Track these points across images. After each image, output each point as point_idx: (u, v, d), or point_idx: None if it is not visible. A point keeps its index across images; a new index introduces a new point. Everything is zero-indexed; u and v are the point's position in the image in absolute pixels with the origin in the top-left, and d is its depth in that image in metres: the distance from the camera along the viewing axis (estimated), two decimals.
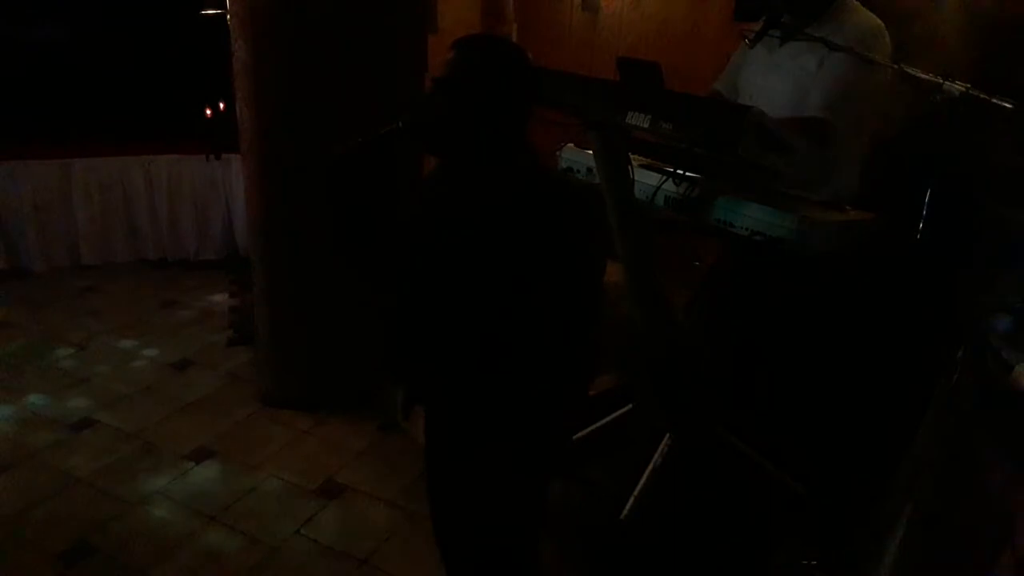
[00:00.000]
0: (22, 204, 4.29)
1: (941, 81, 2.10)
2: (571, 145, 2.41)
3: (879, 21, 2.37)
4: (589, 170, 2.32)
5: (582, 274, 1.47)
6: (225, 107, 4.48)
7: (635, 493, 2.28)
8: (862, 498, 2.08)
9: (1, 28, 4.48)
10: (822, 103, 2.29)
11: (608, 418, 2.60)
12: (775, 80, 2.45)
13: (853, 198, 2.52)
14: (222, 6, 4.51)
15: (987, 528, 1.43)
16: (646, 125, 1.84)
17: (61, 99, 4.45)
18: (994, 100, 2.08)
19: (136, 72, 4.58)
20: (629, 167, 2.10)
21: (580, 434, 2.57)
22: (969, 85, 2.09)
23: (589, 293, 1.49)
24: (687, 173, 2.04)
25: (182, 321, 3.98)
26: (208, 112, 4.54)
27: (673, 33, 4.30)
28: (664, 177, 2.01)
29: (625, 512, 2.25)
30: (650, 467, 2.32)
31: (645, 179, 2.10)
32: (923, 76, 2.12)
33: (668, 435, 2.39)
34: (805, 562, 2.16)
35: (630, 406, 2.59)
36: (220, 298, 4.26)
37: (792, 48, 2.44)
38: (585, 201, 1.54)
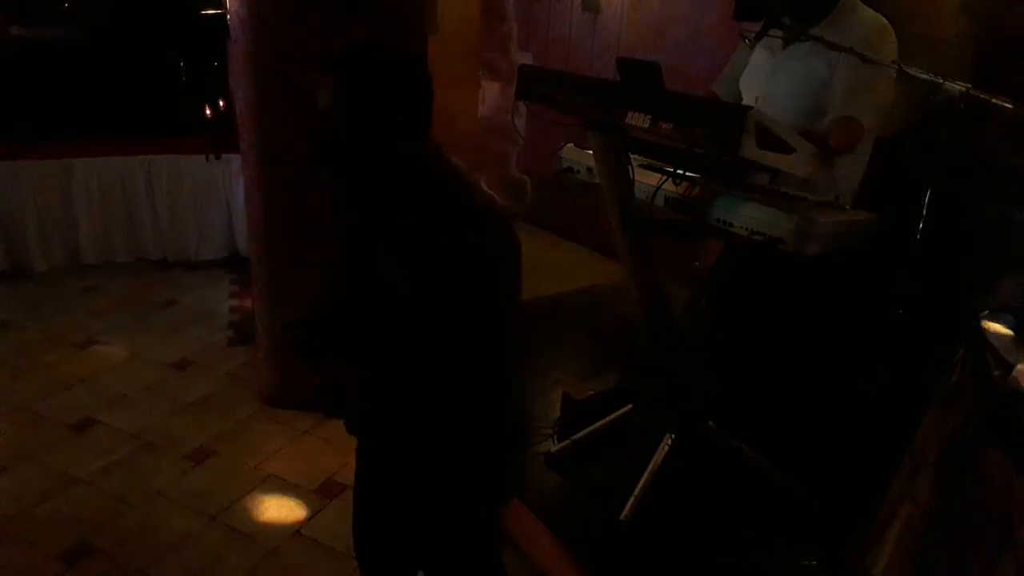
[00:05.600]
0: (22, 204, 4.28)
1: (941, 81, 2.11)
2: (571, 145, 2.41)
3: (885, 20, 2.37)
4: (589, 170, 2.32)
5: (480, 281, 1.39)
6: (225, 107, 4.49)
7: (635, 493, 2.28)
8: (862, 498, 2.08)
9: (1, 28, 4.47)
10: (848, 105, 2.28)
11: (608, 418, 2.60)
12: (782, 83, 2.44)
13: (853, 198, 2.53)
14: (222, 6, 4.53)
15: (987, 528, 1.43)
16: (646, 125, 1.84)
17: (61, 99, 4.45)
18: (994, 100, 2.09)
19: (136, 72, 4.57)
20: (629, 167, 2.10)
21: (580, 434, 2.57)
22: (969, 85, 2.10)
23: (490, 301, 1.42)
24: (687, 173, 2.04)
25: (182, 321, 3.98)
26: (208, 112, 4.54)
27: (673, 33, 4.30)
28: (664, 177, 2.00)
29: (625, 512, 2.25)
30: (650, 467, 2.32)
31: (645, 179, 2.10)
32: (923, 76, 2.13)
33: (668, 435, 2.39)
34: (805, 562, 2.16)
35: (630, 406, 2.59)
36: (220, 298, 4.26)
37: (796, 50, 2.44)
38: (485, 208, 1.48)
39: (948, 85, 2.10)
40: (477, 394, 1.46)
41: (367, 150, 1.39)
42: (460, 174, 1.47)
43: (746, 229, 1.94)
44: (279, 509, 2.60)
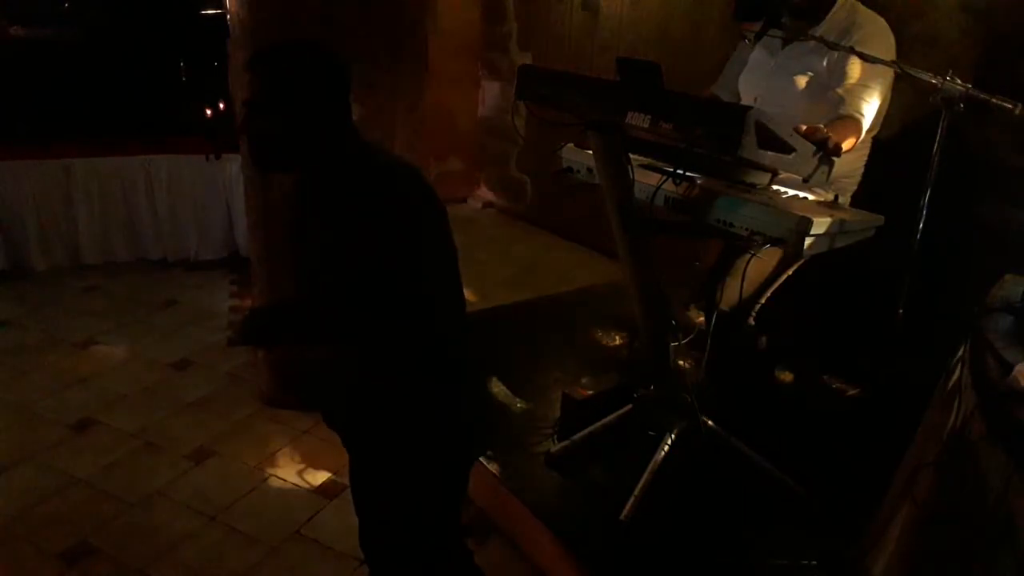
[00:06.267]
0: (23, 204, 4.29)
1: (941, 81, 2.11)
2: (571, 145, 2.42)
3: (884, 20, 2.37)
4: (589, 170, 2.32)
5: (402, 226, 1.47)
6: (225, 107, 4.49)
7: (635, 493, 2.28)
8: (862, 498, 2.08)
9: (1, 28, 4.47)
10: (847, 105, 2.28)
11: (608, 418, 2.60)
12: (783, 83, 2.44)
13: (853, 198, 2.53)
14: (222, 6, 4.53)
15: (987, 528, 1.43)
16: (646, 125, 1.84)
17: (61, 99, 4.45)
18: (994, 100, 2.09)
19: (136, 72, 4.57)
20: (629, 167, 2.10)
21: (580, 434, 2.57)
22: (969, 85, 2.10)
23: (414, 243, 1.48)
24: (687, 173, 2.04)
25: (182, 321, 3.98)
26: (208, 112, 4.54)
27: (673, 33, 4.30)
28: (664, 177, 2.00)
29: (625, 512, 2.25)
30: (650, 467, 2.32)
31: (645, 179, 2.10)
32: (923, 76, 2.13)
33: (668, 435, 2.39)
34: (805, 562, 2.16)
35: (630, 406, 2.59)
36: (220, 298, 4.26)
37: (796, 50, 2.44)
38: (398, 165, 1.56)
39: (948, 85, 2.10)
40: (427, 363, 1.54)
41: (291, 138, 1.47)
42: (374, 145, 1.57)
43: (746, 229, 1.94)
44: (279, 509, 2.60)
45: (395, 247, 1.44)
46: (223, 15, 4.43)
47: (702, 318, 2.67)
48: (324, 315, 1.52)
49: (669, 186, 2.02)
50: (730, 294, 2.39)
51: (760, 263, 2.34)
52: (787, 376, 2.96)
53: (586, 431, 2.58)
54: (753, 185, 2.08)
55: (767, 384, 2.89)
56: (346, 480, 2.69)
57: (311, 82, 1.45)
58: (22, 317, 3.93)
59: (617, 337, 3.45)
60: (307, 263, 1.62)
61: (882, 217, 2.09)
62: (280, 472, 2.79)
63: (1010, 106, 2.06)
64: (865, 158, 2.54)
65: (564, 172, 2.45)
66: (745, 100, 2.55)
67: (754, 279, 2.48)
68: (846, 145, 2.13)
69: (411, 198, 1.50)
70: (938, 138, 2.17)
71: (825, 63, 2.37)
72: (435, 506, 1.68)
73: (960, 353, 1.75)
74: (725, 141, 1.72)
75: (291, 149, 1.49)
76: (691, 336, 2.33)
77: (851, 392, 2.84)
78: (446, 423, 1.60)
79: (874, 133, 2.46)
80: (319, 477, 2.76)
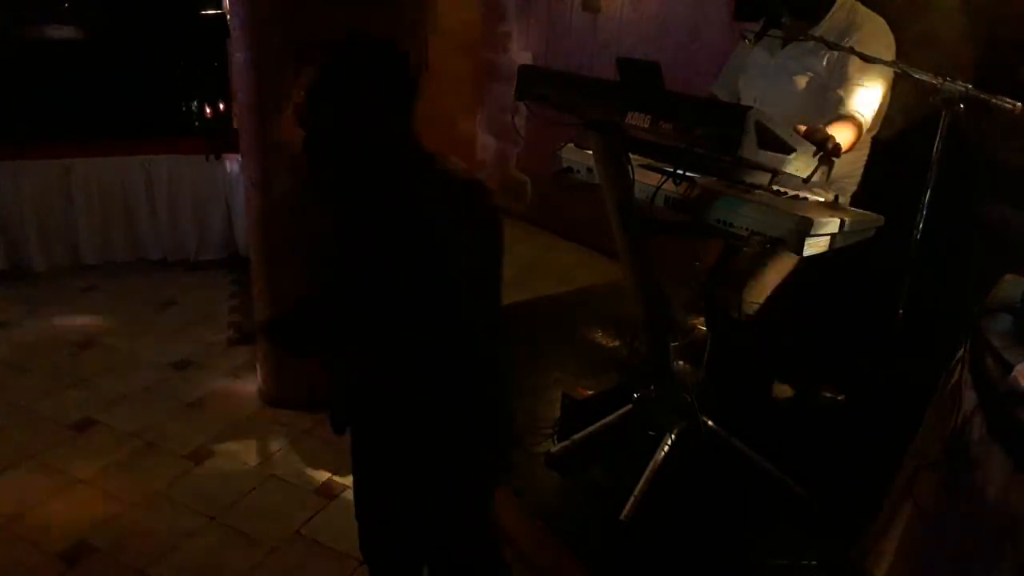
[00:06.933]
0: (22, 204, 4.28)
1: (941, 81, 2.11)
2: (571, 145, 2.42)
3: (884, 20, 2.37)
4: (589, 170, 2.32)
5: (470, 265, 1.45)
6: (225, 107, 4.49)
7: (635, 493, 2.28)
8: (862, 498, 2.08)
9: (1, 28, 4.47)
10: (847, 105, 2.28)
11: (608, 418, 2.60)
12: (782, 82, 2.44)
13: (853, 198, 2.53)
14: (222, 6, 4.53)
15: (987, 528, 1.43)
16: (646, 125, 1.84)
17: (61, 99, 4.45)
18: (994, 100, 2.09)
19: (136, 72, 4.57)
20: (629, 167, 2.10)
21: (580, 434, 2.57)
22: (969, 85, 2.10)
23: (478, 284, 1.47)
24: (687, 173, 2.04)
25: (182, 321, 3.98)
26: (208, 112, 4.54)
27: (673, 33, 4.30)
28: (664, 177, 2.00)
29: (625, 512, 2.25)
30: (650, 467, 2.32)
31: (645, 179, 2.10)
32: (923, 76, 2.13)
33: (668, 435, 2.39)
34: (805, 562, 2.16)
35: (630, 406, 2.59)
36: (220, 298, 4.26)
37: (796, 50, 2.44)
38: (465, 180, 1.52)
39: (948, 85, 2.10)
40: (470, 374, 1.49)
41: (352, 141, 1.41)
42: (439, 156, 1.51)
43: (746, 229, 1.94)
44: (279, 509, 2.60)
45: (471, 261, 1.42)
46: (223, 15, 4.43)
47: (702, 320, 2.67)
48: (366, 322, 1.48)
49: (669, 186, 2.02)
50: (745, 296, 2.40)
51: (767, 265, 2.35)
52: (785, 391, 2.96)
53: (586, 431, 2.58)
54: (753, 185, 2.08)
55: (765, 398, 2.89)
56: (346, 480, 2.71)
57: (379, 78, 1.39)
58: (22, 317, 3.93)
59: (617, 337, 3.45)
60: (347, 264, 1.56)
61: (882, 217, 2.08)
62: (280, 472, 2.79)
63: (1010, 106, 2.06)
64: (865, 158, 2.54)
65: (564, 172, 2.45)
66: (745, 100, 2.55)
67: (755, 280, 2.49)
68: (846, 145, 2.13)
69: (486, 212, 1.47)
70: (938, 138, 2.16)
71: (825, 63, 2.37)
72: (483, 513, 1.67)
73: (960, 353, 1.75)
74: (725, 141, 1.72)
75: (350, 143, 1.42)
76: (690, 337, 2.34)
77: (840, 398, 2.86)
78: (484, 430, 1.58)
79: (874, 133, 2.46)
80: (319, 477, 2.75)
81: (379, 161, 1.45)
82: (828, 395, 2.89)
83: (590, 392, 2.72)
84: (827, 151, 1.92)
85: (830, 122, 2.18)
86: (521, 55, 5.35)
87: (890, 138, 2.59)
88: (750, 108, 1.74)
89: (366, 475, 1.74)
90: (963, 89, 2.08)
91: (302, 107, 1.39)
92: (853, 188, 2.54)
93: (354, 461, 1.75)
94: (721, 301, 2.64)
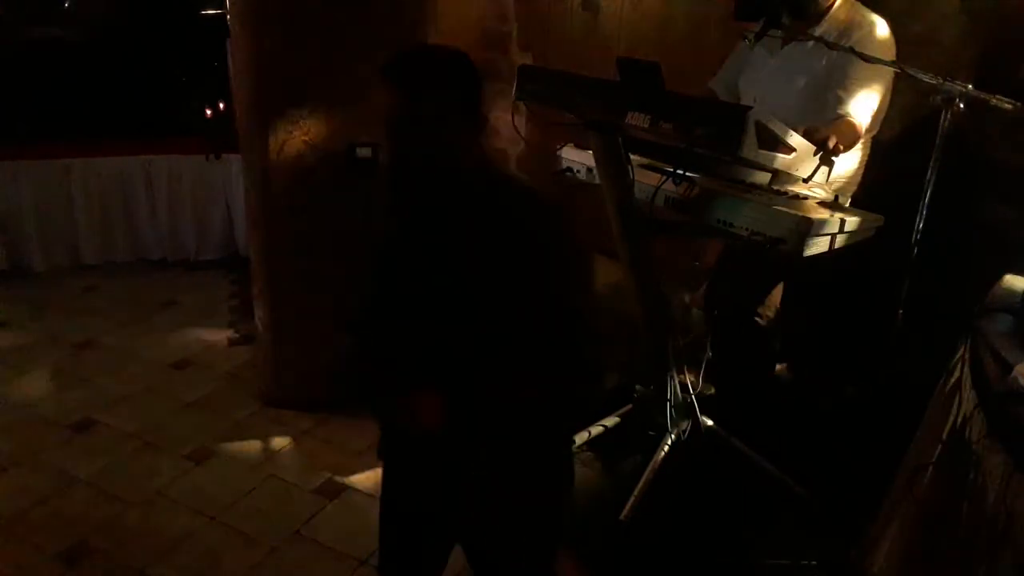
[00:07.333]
0: (22, 204, 4.28)
1: (941, 81, 2.11)
2: (571, 145, 2.42)
3: (884, 20, 2.37)
4: (589, 170, 2.32)
5: (557, 272, 1.43)
6: (225, 107, 4.48)
7: (635, 493, 2.28)
8: (862, 498, 2.08)
9: (1, 28, 4.47)
10: (847, 104, 2.28)
11: (608, 418, 2.60)
12: (782, 82, 2.44)
13: (853, 198, 2.53)
14: (222, 6, 4.52)
15: (987, 528, 1.43)
16: (646, 125, 1.84)
17: (61, 99, 4.45)
18: (994, 100, 2.09)
19: (136, 72, 4.57)
20: (629, 167, 2.10)
21: (580, 434, 2.57)
22: (969, 85, 2.10)
23: (566, 290, 1.46)
24: (687, 173, 2.04)
25: (182, 321, 3.97)
26: (208, 112, 4.53)
27: (673, 33, 4.30)
28: (664, 177, 2.01)
29: (625, 512, 2.25)
30: (650, 467, 2.33)
31: (645, 179, 2.10)
32: (923, 76, 2.13)
33: (668, 435, 2.39)
34: (805, 562, 2.16)
35: (630, 406, 2.59)
36: (220, 298, 4.26)
37: (796, 50, 2.44)
38: (547, 203, 1.48)
39: (948, 85, 2.10)
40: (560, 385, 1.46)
41: (436, 155, 1.34)
42: (505, 171, 1.49)
43: (746, 229, 1.94)
44: (279, 509, 2.60)
45: (569, 278, 1.44)
46: (223, 15, 4.42)
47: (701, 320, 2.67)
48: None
49: (669, 186, 2.02)
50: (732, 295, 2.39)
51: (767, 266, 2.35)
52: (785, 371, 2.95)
53: (586, 431, 2.58)
54: (753, 185, 2.08)
55: (768, 383, 2.88)
56: (346, 480, 2.71)
57: (456, 93, 1.35)
58: (22, 317, 3.92)
59: (617, 337, 3.44)
60: (412, 287, 1.47)
61: (882, 217, 2.09)
62: (280, 472, 2.79)
63: (1009, 106, 2.06)
64: (865, 158, 2.54)
65: (564, 172, 2.45)
66: (745, 100, 2.55)
67: (756, 280, 2.49)
68: (845, 145, 2.13)
69: (570, 232, 1.46)
70: (938, 138, 2.16)
71: (825, 63, 2.37)
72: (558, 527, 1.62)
73: (960, 353, 1.75)
74: (725, 141, 1.72)
75: (438, 167, 1.35)
76: (691, 337, 2.34)
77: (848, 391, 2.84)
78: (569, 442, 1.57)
79: (874, 133, 2.46)
80: (319, 477, 2.75)
81: (471, 183, 1.40)
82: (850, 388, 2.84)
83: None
84: (827, 151, 1.92)
85: (830, 123, 2.18)
86: (521, 55, 5.34)
87: (890, 138, 2.59)
88: (750, 108, 1.75)
89: (427, 492, 1.58)
90: (963, 89, 2.08)
91: (387, 135, 1.33)
92: (853, 188, 2.54)
93: (389, 475, 1.65)
94: (722, 301, 2.65)
